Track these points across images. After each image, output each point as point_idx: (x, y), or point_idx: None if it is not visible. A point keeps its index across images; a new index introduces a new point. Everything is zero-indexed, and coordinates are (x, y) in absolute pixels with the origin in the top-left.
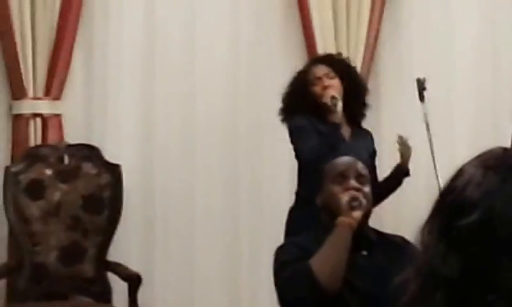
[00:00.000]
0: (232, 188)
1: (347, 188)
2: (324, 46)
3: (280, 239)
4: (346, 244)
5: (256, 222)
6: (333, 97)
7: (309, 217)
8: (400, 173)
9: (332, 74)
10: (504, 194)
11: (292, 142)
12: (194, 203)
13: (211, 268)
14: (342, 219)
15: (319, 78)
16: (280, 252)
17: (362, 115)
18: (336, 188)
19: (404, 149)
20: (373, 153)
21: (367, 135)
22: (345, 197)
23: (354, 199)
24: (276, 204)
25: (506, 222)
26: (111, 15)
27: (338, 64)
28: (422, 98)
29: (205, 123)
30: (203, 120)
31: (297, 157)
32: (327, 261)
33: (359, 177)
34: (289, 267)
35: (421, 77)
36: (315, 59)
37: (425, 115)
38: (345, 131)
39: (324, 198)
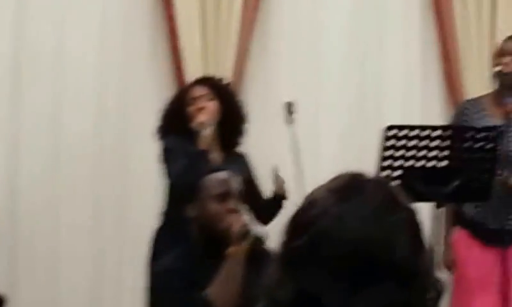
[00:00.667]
0: (97, 205)
1: (229, 210)
2: (192, 65)
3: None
4: (240, 271)
5: (121, 240)
6: (201, 123)
7: (175, 237)
8: (278, 198)
9: (211, 96)
10: (333, 214)
11: (161, 162)
12: (59, 221)
13: (76, 286)
14: (234, 250)
15: (196, 98)
16: (163, 280)
17: (236, 143)
18: (217, 208)
19: (278, 182)
20: (250, 175)
21: (241, 158)
22: (235, 225)
23: (243, 226)
24: (142, 223)
25: (332, 242)
26: None
27: (218, 88)
28: (290, 121)
29: (72, 140)
30: (70, 137)
31: (165, 177)
32: (224, 290)
33: (236, 196)
34: (180, 300)
35: (289, 101)
36: (197, 80)
37: (293, 138)
38: (217, 156)
39: (201, 214)
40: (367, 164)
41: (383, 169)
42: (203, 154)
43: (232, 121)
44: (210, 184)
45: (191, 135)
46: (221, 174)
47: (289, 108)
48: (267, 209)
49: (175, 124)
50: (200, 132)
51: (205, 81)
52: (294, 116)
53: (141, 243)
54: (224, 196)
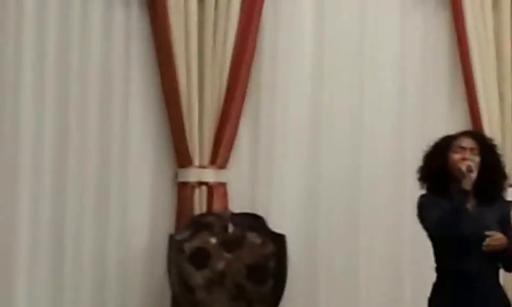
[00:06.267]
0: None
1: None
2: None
3: None
4: None
5: None
6: (469, 166)
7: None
8: None
9: (476, 151)
10: None
11: (419, 217)
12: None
13: None
14: None
15: (464, 148)
16: None
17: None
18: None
19: None
20: (504, 220)
21: (497, 204)
22: None
23: None
24: None
25: None
26: (277, 88)
27: (485, 144)
28: None
29: (369, 193)
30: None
31: (427, 233)
32: None
33: None
34: None
35: None
36: (467, 132)
37: None
38: (470, 203)
39: None
40: None
41: None
42: (466, 193)
43: (489, 177)
44: None
45: (446, 182)
46: None
47: None
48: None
49: (436, 166)
50: (469, 173)
51: (475, 135)
52: None
53: None
54: None
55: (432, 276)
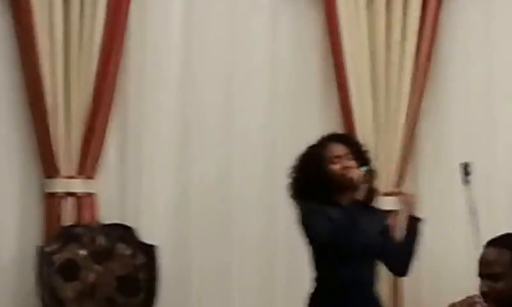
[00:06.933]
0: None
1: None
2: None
3: None
4: None
5: None
6: (360, 176)
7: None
8: (412, 221)
9: (350, 156)
10: None
11: (305, 226)
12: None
13: None
14: None
15: (339, 157)
16: None
17: (371, 200)
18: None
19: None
20: (384, 230)
21: (375, 214)
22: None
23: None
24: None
25: None
26: (145, 95)
27: (355, 146)
28: (466, 182)
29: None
30: (240, 199)
31: (309, 241)
32: None
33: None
34: None
35: (466, 161)
36: (332, 137)
37: (469, 199)
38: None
39: None
40: None
41: None
42: (358, 204)
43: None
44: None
45: (330, 195)
46: None
47: (466, 169)
48: (403, 247)
49: (316, 183)
50: (358, 185)
51: (342, 139)
52: (471, 176)
53: None
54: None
55: (306, 284)
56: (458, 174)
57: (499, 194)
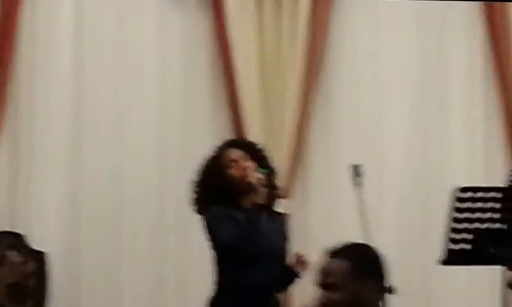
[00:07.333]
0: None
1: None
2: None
3: None
4: None
5: None
6: (260, 179)
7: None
8: (292, 273)
9: (247, 157)
10: None
11: (209, 231)
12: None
13: None
14: None
15: (235, 160)
16: None
17: (273, 203)
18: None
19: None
20: (286, 233)
21: (278, 217)
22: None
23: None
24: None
25: None
26: (37, 100)
27: (251, 149)
28: (357, 183)
29: (132, 204)
30: (131, 204)
31: (214, 246)
32: None
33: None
34: None
35: (356, 163)
36: (228, 143)
37: (360, 200)
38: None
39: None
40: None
41: (456, 231)
42: (260, 208)
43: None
44: None
45: (233, 198)
46: None
47: (357, 170)
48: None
49: (217, 189)
50: (258, 189)
51: (237, 144)
52: (362, 178)
53: None
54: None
55: (197, 289)
56: (348, 175)
57: (387, 194)
